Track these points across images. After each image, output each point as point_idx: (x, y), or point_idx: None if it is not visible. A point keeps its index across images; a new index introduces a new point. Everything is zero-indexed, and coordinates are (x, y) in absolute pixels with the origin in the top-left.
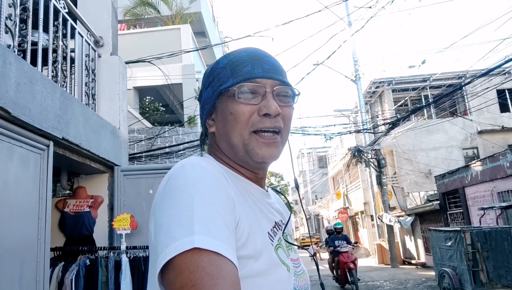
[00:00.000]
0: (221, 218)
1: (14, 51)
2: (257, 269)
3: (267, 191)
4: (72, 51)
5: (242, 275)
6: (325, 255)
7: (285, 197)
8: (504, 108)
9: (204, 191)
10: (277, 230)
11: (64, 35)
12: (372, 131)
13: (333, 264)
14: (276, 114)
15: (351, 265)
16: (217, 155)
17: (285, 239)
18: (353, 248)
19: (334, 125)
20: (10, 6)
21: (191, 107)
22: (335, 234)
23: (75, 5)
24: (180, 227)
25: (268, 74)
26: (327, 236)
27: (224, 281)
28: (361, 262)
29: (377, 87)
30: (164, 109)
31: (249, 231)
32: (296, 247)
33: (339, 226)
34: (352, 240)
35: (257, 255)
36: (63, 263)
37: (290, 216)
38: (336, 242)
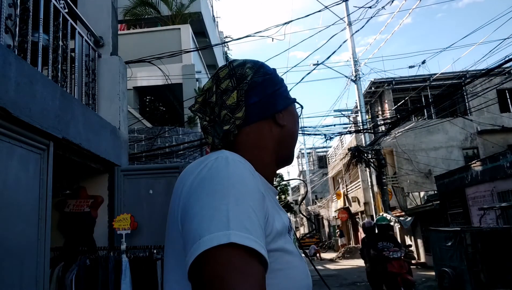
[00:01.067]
0: (255, 214)
1: (14, 51)
2: (287, 261)
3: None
4: (72, 51)
5: (275, 267)
6: (326, 255)
7: (285, 197)
8: (504, 108)
9: (239, 186)
10: (290, 227)
11: (64, 35)
12: (372, 131)
13: (377, 276)
14: None
15: (409, 277)
16: (246, 151)
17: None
18: (405, 253)
19: (334, 125)
20: (10, 6)
21: None
22: (378, 233)
23: (75, 5)
24: (215, 220)
25: None
26: (363, 235)
27: (253, 278)
28: (361, 262)
29: (377, 87)
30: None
31: (277, 226)
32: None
33: (385, 223)
34: (352, 240)
35: (285, 248)
36: (63, 263)
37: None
38: (380, 245)
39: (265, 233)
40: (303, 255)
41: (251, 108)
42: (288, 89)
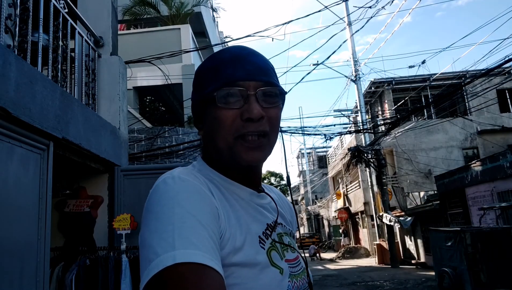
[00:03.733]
0: (203, 228)
1: (14, 51)
2: (245, 275)
3: (261, 190)
4: (72, 51)
5: (232, 282)
6: (326, 255)
7: (286, 197)
8: (504, 108)
9: (184, 202)
10: (270, 232)
11: (64, 35)
12: (372, 131)
13: None
14: (260, 118)
15: None
16: (207, 158)
17: (279, 240)
18: None
19: (334, 125)
20: (10, 6)
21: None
22: None
23: (75, 5)
24: (162, 242)
25: (250, 75)
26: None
27: (209, 288)
28: (361, 262)
29: (377, 87)
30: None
31: (235, 238)
32: (292, 247)
33: None
34: (352, 240)
35: (246, 261)
36: (63, 263)
37: (296, 216)
38: None
39: (220, 247)
40: (299, 258)
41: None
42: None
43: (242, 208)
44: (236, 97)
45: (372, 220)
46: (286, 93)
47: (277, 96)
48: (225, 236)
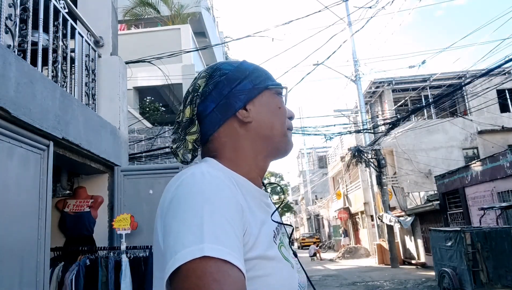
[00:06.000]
0: (230, 225)
1: (14, 51)
2: (266, 268)
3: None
4: (72, 51)
5: (254, 275)
6: (326, 255)
7: (285, 197)
8: (504, 108)
9: (213, 198)
10: (279, 229)
11: (64, 35)
12: (372, 131)
13: None
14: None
15: None
16: (225, 157)
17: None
18: None
19: (334, 125)
20: (10, 6)
21: None
22: None
23: (75, 5)
24: (190, 234)
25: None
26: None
27: (230, 286)
28: (361, 262)
29: (377, 87)
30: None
31: (257, 233)
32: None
33: None
34: (352, 240)
35: (266, 255)
36: (63, 263)
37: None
38: None
39: (243, 243)
40: (293, 258)
41: (211, 115)
42: (267, 75)
43: (255, 205)
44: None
45: (372, 220)
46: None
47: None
48: (247, 231)
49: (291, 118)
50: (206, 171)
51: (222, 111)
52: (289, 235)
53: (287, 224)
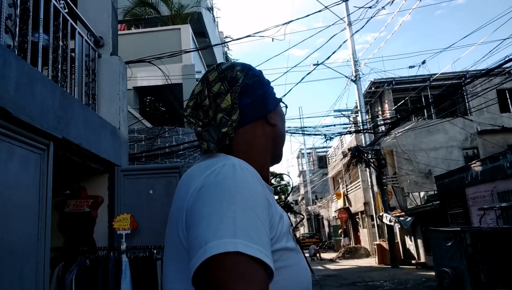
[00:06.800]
0: (260, 222)
1: (14, 51)
2: (290, 259)
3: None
4: (72, 51)
5: (280, 265)
6: (326, 255)
7: (285, 197)
8: (504, 108)
9: (247, 193)
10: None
11: (64, 35)
12: (372, 131)
13: None
14: None
15: None
16: (245, 153)
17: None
18: None
19: (334, 125)
20: (10, 6)
21: None
22: None
23: (75, 5)
24: (222, 226)
25: None
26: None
27: (257, 285)
28: (361, 262)
29: (377, 87)
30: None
31: (281, 226)
32: None
33: None
34: (352, 240)
35: (288, 246)
36: (63, 263)
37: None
38: None
39: (270, 238)
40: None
41: (245, 109)
42: (277, 90)
43: (272, 200)
44: None
45: (372, 220)
46: None
47: None
48: (273, 225)
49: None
50: (238, 164)
51: (255, 109)
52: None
53: (299, 213)
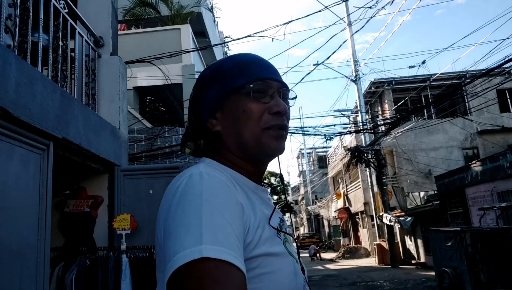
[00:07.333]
0: (230, 225)
1: (14, 51)
2: (273, 265)
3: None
4: (72, 51)
5: (261, 272)
6: (326, 255)
7: (285, 197)
8: (504, 108)
9: (212, 199)
10: (282, 225)
11: (64, 35)
12: (372, 131)
13: None
14: (284, 113)
15: None
16: (221, 156)
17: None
18: None
19: (334, 125)
20: (10, 6)
21: None
22: None
23: (75, 5)
24: (189, 236)
25: (274, 76)
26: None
27: (231, 285)
28: (361, 262)
29: (377, 87)
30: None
31: (261, 231)
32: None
33: None
34: (352, 240)
35: (271, 251)
36: (63, 263)
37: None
38: None
39: (245, 242)
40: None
41: (193, 123)
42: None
43: (258, 200)
44: (265, 93)
45: (372, 220)
46: (296, 97)
47: (289, 98)
48: (250, 230)
49: (277, 112)
50: (204, 172)
51: (196, 122)
52: (292, 230)
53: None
